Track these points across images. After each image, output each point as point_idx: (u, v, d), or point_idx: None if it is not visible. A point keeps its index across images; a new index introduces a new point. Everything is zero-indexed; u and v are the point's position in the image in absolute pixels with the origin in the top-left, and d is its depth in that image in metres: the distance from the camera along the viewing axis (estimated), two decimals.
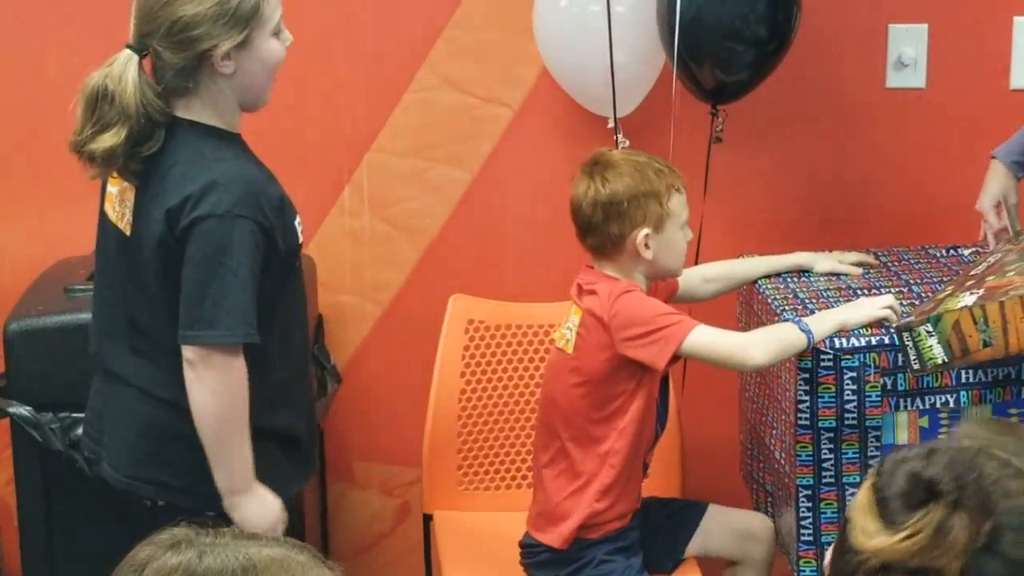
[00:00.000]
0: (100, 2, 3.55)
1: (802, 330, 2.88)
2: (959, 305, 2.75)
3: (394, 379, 3.81)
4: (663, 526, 3.23)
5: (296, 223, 2.78)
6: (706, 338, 2.93)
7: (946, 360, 2.76)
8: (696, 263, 3.58)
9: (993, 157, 3.30)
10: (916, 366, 2.78)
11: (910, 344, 2.77)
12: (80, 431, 3.22)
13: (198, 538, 1.45)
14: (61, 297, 3.37)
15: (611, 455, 3.04)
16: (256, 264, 2.67)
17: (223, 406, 2.69)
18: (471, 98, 3.72)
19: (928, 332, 2.75)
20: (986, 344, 2.72)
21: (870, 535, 1.45)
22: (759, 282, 3.25)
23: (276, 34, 2.76)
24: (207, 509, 2.78)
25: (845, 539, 1.51)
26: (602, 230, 3.02)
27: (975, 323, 2.72)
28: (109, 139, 2.67)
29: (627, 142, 3.55)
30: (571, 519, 3.06)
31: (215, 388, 2.68)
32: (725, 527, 3.25)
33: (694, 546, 3.24)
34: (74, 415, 3.22)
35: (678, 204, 3.03)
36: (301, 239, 2.80)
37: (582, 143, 3.69)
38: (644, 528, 3.18)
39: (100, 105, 2.68)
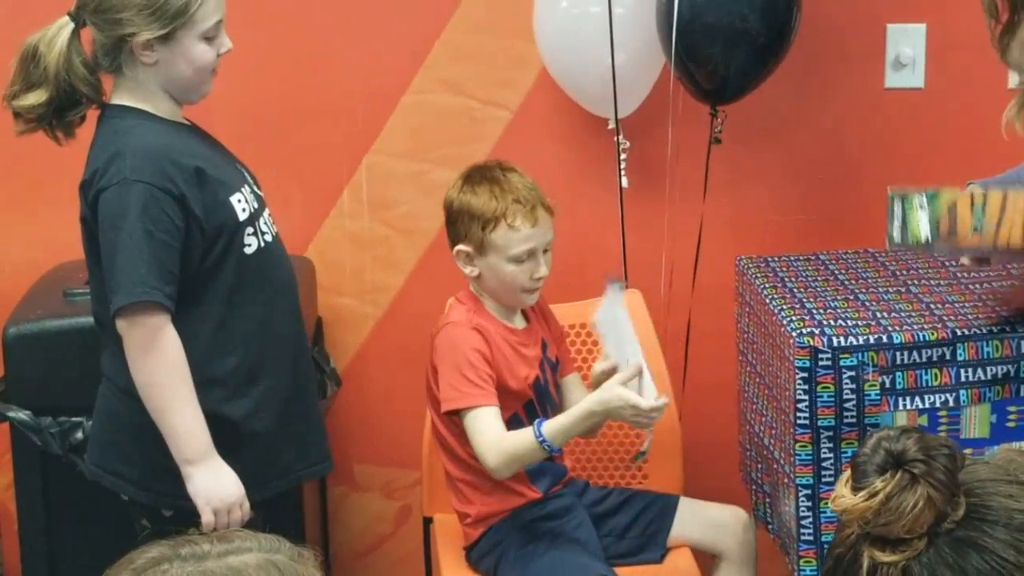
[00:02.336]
0: None
1: (540, 442, 2.98)
2: (965, 192, 2.65)
3: (394, 381, 3.81)
4: (641, 516, 3.29)
5: (234, 200, 2.79)
6: (476, 426, 3.04)
7: (929, 239, 2.68)
8: (696, 264, 3.58)
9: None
10: (896, 237, 2.71)
11: (898, 212, 2.70)
12: (80, 435, 3.23)
13: (178, 552, 1.41)
14: (60, 301, 3.36)
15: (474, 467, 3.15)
16: (160, 228, 2.69)
17: (151, 370, 2.72)
18: (469, 100, 3.72)
19: (920, 205, 2.68)
20: (975, 230, 2.65)
21: (840, 497, 1.51)
22: (757, 281, 3.24)
23: (209, 39, 2.78)
24: (162, 506, 2.83)
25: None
26: (447, 232, 3.17)
27: (971, 207, 2.65)
28: (32, 98, 2.76)
29: (627, 143, 3.56)
30: (468, 518, 3.21)
31: (138, 354, 2.72)
32: (699, 517, 3.32)
33: (675, 536, 3.30)
34: (73, 419, 3.23)
35: (505, 237, 3.07)
36: (242, 218, 2.80)
37: (581, 144, 3.70)
38: (620, 520, 3.27)
39: (28, 64, 2.77)
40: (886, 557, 1.48)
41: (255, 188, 2.91)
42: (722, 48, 3.31)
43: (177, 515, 2.81)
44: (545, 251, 3.12)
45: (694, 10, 3.28)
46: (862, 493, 1.48)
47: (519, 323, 3.21)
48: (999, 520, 1.48)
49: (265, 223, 2.88)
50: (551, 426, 3.01)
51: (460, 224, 3.11)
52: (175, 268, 2.72)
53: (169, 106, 2.83)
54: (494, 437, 3.02)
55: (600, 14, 3.40)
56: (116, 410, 2.86)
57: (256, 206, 2.85)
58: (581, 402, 3.04)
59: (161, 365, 2.72)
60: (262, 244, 2.84)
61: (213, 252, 2.77)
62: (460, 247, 3.12)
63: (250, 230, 2.82)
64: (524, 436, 3.02)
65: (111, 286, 2.72)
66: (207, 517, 2.76)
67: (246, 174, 2.92)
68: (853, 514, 1.48)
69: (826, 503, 2.92)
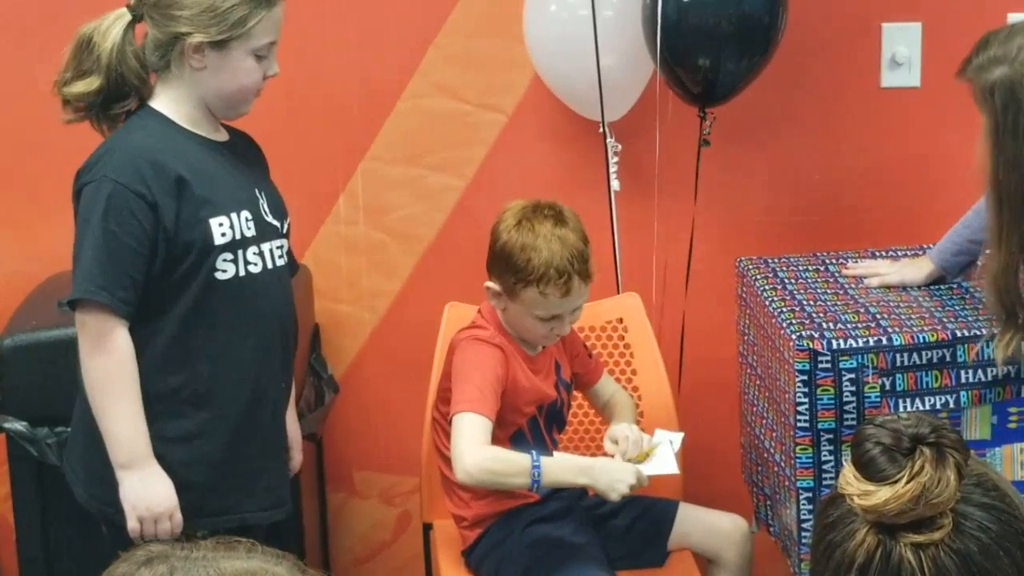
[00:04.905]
0: (90, 15, 3.54)
1: (533, 466, 2.94)
2: None
3: (392, 387, 3.80)
4: (640, 520, 3.27)
5: (215, 222, 2.74)
6: (461, 427, 3.00)
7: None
8: (688, 266, 3.57)
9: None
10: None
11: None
12: None
13: (174, 552, 1.44)
14: (55, 312, 3.34)
15: None
16: (125, 231, 2.67)
17: (95, 369, 2.72)
18: (464, 105, 3.71)
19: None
20: None
21: (871, 494, 1.48)
22: (757, 282, 3.23)
23: (259, 57, 2.77)
24: (100, 515, 2.84)
25: (832, 530, 1.53)
26: (488, 254, 3.14)
27: None
28: (82, 86, 2.76)
29: (619, 146, 3.54)
30: (465, 521, 3.21)
31: (86, 351, 2.73)
32: (700, 523, 3.31)
33: (674, 541, 3.29)
34: (69, 429, 3.21)
35: (533, 299, 3.06)
36: (218, 242, 2.74)
37: (575, 148, 3.69)
38: (620, 522, 3.25)
39: (82, 52, 2.76)
40: (935, 535, 1.47)
41: (267, 216, 2.84)
42: (708, 51, 3.29)
43: (112, 529, 2.81)
44: (573, 310, 3.12)
45: (679, 13, 3.26)
46: (899, 480, 1.46)
47: (535, 349, 3.21)
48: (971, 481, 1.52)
49: (260, 254, 2.81)
50: (547, 460, 3.00)
51: (497, 264, 3.10)
52: (136, 273, 2.70)
53: (198, 116, 2.80)
54: (479, 443, 2.99)
55: (589, 17, 3.38)
56: (78, 405, 2.87)
57: (252, 234, 2.79)
58: (588, 467, 3.02)
59: (105, 365, 2.71)
60: (242, 272, 2.78)
61: (178, 270, 2.73)
62: (491, 285, 3.12)
63: (228, 256, 2.76)
64: (516, 455, 3.01)
65: (72, 279, 2.73)
66: (132, 524, 2.74)
67: (262, 200, 2.85)
68: (899, 503, 1.46)
69: None
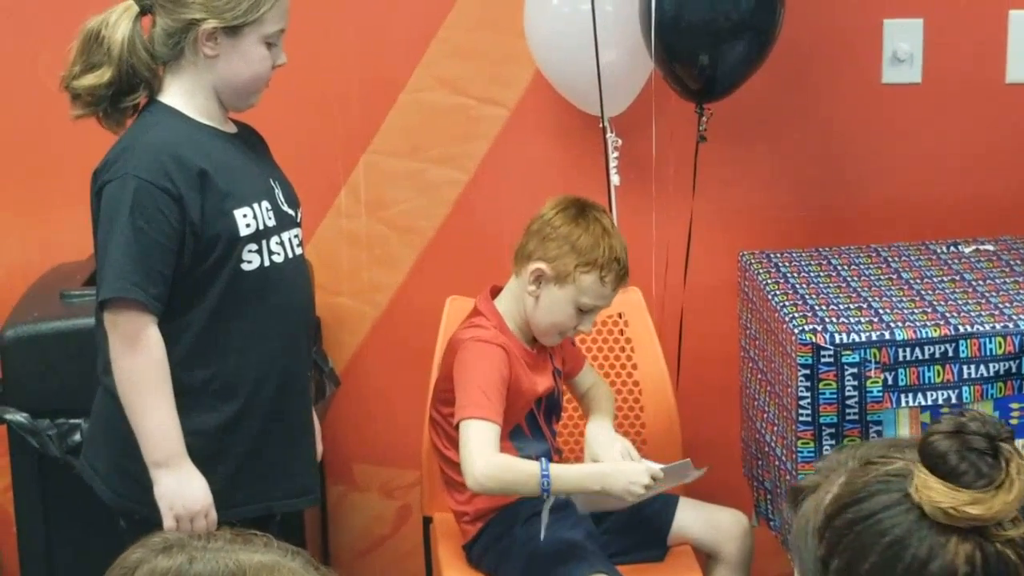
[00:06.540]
0: (93, 5, 3.54)
1: (542, 475, 2.95)
2: None
3: (393, 381, 3.80)
4: (641, 514, 3.26)
5: (239, 213, 2.74)
6: (469, 434, 3.00)
7: None
8: (686, 262, 3.57)
9: None
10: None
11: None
12: (77, 437, 3.22)
13: (191, 542, 1.45)
14: (57, 303, 3.35)
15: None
16: (153, 227, 2.67)
17: (128, 367, 2.70)
18: (466, 99, 3.71)
19: None
20: None
21: (976, 503, 1.41)
22: (760, 276, 3.24)
23: (269, 45, 2.77)
24: (120, 510, 2.82)
25: (904, 545, 1.45)
26: (524, 240, 3.13)
27: None
28: (92, 79, 2.75)
29: (619, 141, 3.54)
30: (467, 516, 3.22)
31: (118, 350, 2.70)
32: (700, 517, 3.31)
33: (675, 535, 3.30)
34: (71, 421, 3.21)
35: (590, 285, 3.08)
36: (243, 233, 2.74)
37: (578, 142, 3.69)
38: (620, 516, 3.24)
39: (90, 46, 2.76)
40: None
41: (283, 206, 2.85)
42: (705, 47, 3.28)
43: (130, 524, 2.80)
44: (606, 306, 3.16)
45: (676, 8, 3.26)
46: (1003, 483, 1.41)
47: (533, 346, 3.21)
48: None
49: (281, 243, 2.81)
50: (556, 467, 3.01)
51: (554, 247, 3.09)
52: (166, 269, 2.69)
53: (211, 107, 2.80)
54: (489, 450, 2.99)
55: (589, 12, 3.37)
56: (97, 402, 2.85)
57: (273, 223, 2.80)
58: (600, 474, 3.04)
59: (139, 363, 2.69)
60: (267, 263, 2.78)
61: (205, 263, 2.73)
62: (541, 266, 3.09)
63: (253, 247, 2.76)
64: (526, 464, 3.01)
65: (99, 278, 2.72)
66: (168, 522, 2.72)
67: (277, 190, 2.86)
68: (1014, 505, 1.41)
69: None
